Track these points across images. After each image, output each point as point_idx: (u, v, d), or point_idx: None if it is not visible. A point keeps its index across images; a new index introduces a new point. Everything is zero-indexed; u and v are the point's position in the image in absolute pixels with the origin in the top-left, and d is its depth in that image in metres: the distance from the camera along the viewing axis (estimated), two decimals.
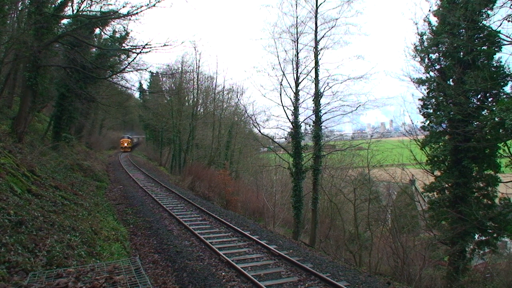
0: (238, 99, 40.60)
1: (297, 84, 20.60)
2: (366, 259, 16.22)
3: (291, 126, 20.72)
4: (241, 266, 8.50)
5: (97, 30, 21.74)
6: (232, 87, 42.26)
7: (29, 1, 16.93)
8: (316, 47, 20.05)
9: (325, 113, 20.41)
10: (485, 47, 14.07)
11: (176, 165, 37.79)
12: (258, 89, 69.66)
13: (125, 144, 54.80)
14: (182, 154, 36.84)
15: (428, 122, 16.39)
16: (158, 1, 14.65)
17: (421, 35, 16.25)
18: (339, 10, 20.05)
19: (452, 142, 14.83)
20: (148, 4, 14.79)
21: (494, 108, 12.62)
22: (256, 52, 40.01)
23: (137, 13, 15.30)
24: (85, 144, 36.34)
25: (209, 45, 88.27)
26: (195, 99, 38.44)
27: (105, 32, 20.37)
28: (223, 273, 8.19)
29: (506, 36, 12.79)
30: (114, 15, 16.41)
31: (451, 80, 15.52)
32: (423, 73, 16.43)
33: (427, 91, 16.40)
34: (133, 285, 3.92)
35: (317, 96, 19.99)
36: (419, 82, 16.36)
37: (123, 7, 16.42)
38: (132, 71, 19.78)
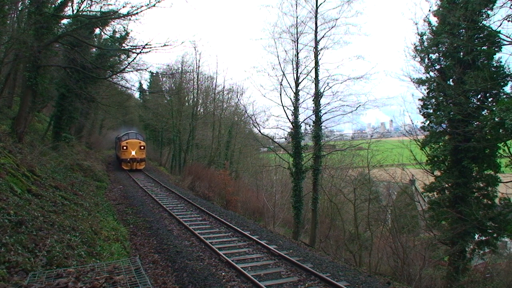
0: (238, 99, 40.57)
1: (297, 84, 20.60)
2: (366, 259, 16.21)
3: (291, 126, 20.72)
4: (241, 266, 8.50)
5: (97, 30, 21.72)
6: (232, 87, 42.18)
7: (29, 1, 16.92)
8: (316, 47, 20.05)
9: (325, 113, 20.45)
10: (485, 47, 14.05)
11: (176, 165, 37.76)
12: (258, 89, 69.68)
13: (133, 153, 29.07)
14: (182, 154, 36.81)
15: (428, 122, 16.37)
16: (158, 1, 14.68)
17: (421, 35, 16.22)
18: (339, 10, 20.08)
19: (452, 142, 14.82)
20: (148, 4, 14.81)
21: (494, 108, 12.60)
22: (256, 52, 40.04)
23: (137, 13, 15.33)
24: (85, 144, 36.26)
25: (209, 45, 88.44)
26: (195, 99, 38.42)
27: (105, 32, 20.36)
28: (223, 273, 8.19)
29: (506, 36, 12.78)
30: (114, 15, 16.41)
31: (451, 80, 15.51)
32: (423, 73, 16.43)
33: (427, 91, 16.39)
34: (133, 285, 3.91)
35: (317, 96, 19.99)
36: (419, 82, 16.34)
37: (123, 7, 16.46)
38: (132, 71, 19.82)
